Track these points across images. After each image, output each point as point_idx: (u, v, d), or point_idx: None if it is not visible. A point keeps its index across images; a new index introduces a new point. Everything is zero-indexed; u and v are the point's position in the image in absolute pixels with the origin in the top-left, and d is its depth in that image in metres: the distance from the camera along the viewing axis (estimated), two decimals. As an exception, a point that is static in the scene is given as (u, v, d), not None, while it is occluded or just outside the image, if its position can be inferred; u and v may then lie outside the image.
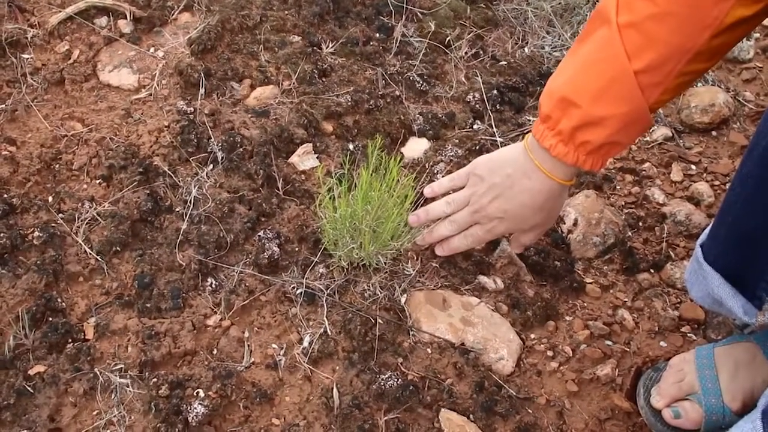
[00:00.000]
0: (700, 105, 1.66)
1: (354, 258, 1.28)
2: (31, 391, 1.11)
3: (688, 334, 1.30)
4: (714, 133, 1.67)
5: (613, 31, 0.80)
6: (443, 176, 1.45)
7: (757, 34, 1.93)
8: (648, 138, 1.64)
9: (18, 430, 1.08)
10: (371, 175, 1.21)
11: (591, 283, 1.37)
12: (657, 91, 0.82)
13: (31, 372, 1.14)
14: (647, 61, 0.79)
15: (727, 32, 0.78)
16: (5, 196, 1.34)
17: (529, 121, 1.62)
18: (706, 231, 1.08)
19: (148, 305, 1.23)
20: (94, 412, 1.11)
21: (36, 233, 1.29)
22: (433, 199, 1.16)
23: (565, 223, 1.42)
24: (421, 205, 1.19)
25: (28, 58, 1.59)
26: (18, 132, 1.47)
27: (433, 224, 1.15)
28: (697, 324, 1.32)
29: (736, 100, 1.73)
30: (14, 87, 1.54)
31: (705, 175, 1.58)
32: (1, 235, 1.27)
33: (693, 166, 1.59)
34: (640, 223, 1.47)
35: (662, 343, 1.29)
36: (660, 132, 1.64)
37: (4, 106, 1.49)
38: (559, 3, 1.86)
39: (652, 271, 1.40)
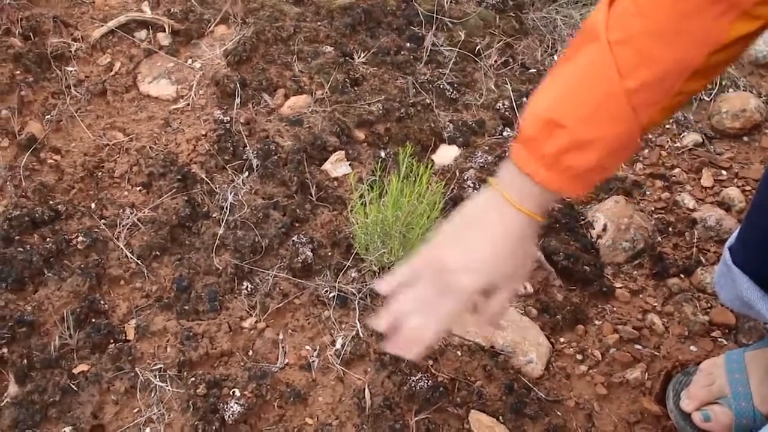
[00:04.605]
0: (731, 110, 1.65)
1: (385, 262, 1.31)
2: (75, 388, 1.16)
3: (719, 339, 1.30)
4: (745, 138, 1.66)
5: (603, 48, 0.74)
6: (473, 182, 1.47)
7: (790, 39, 1.91)
8: (678, 144, 1.64)
9: (63, 426, 1.12)
10: (402, 181, 1.24)
11: (620, 287, 1.37)
12: (652, 110, 0.76)
13: (75, 371, 1.19)
14: (641, 79, 0.74)
15: (727, 49, 0.74)
16: (51, 202, 1.39)
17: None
18: (735, 234, 1.08)
19: (187, 308, 1.27)
20: (135, 410, 1.15)
21: (80, 238, 1.34)
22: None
23: (594, 228, 1.43)
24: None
25: (71, 71, 1.65)
26: (62, 141, 1.53)
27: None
28: (728, 329, 1.32)
29: (768, 106, 1.72)
30: (59, 98, 1.60)
31: (736, 180, 1.57)
32: (48, 240, 1.33)
33: (724, 172, 1.58)
34: (670, 229, 1.47)
35: (692, 348, 1.29)
36: (690, 138, 1.64)
37: (49, 116, 1.55)
38: (588, 11, 1.87)
39: (682, 276, 1.40)
